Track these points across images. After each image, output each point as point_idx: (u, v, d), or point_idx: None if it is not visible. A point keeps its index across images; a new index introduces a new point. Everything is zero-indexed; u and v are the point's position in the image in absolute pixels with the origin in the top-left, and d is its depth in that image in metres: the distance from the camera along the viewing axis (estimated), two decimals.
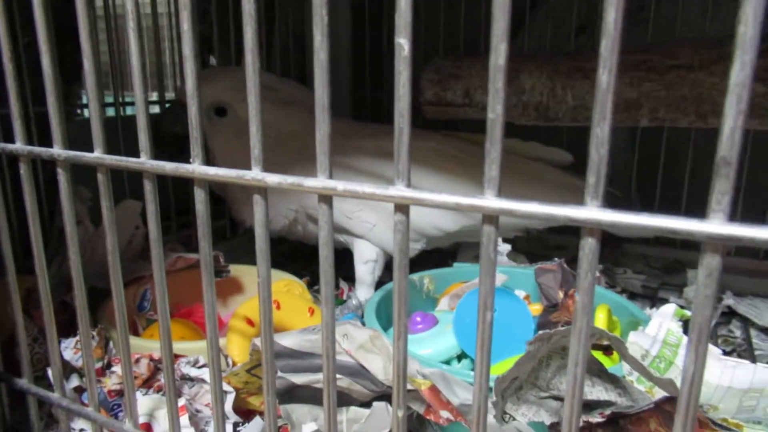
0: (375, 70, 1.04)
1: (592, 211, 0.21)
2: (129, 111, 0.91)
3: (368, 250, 0.72)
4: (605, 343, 0.50)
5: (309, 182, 0.27)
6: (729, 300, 0.78)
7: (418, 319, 0.61)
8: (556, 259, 0.68)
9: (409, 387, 0.36)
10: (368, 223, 0.70)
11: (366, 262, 0.72)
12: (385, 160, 0.66)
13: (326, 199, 0.27)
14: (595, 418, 0.40)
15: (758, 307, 0.79)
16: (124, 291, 0.67)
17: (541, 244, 0.99)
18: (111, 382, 0.46)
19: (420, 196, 0.24)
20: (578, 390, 0.24)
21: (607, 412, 0.40)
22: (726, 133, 0.19)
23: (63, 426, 0.44)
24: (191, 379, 0.45)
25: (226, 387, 0.44)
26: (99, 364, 0.48)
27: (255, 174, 0.28)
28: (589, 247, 0.22)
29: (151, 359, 0.48)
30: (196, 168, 0.30)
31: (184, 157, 0.31)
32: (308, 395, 0.36)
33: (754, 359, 0.68)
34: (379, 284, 0.74)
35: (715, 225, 0.19)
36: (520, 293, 0.68)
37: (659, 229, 0.20)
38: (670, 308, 0.55)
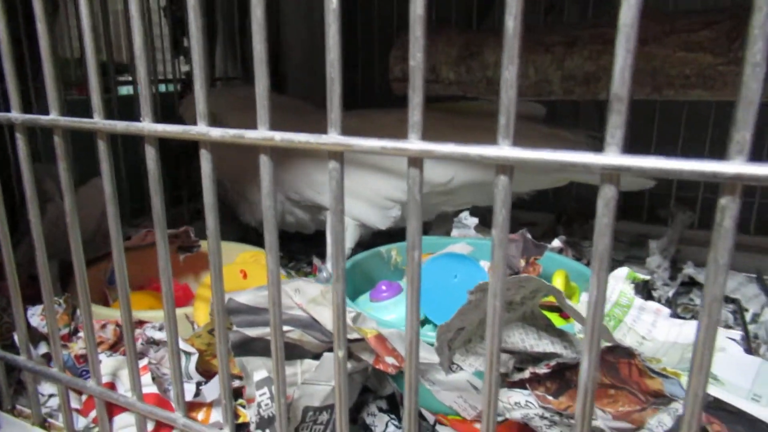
0: (350, 53, 1.05)
1: (503, 150, 0.23)
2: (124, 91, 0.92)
3: None
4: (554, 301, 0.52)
5: (249, 134, 0.28)
6: (689, 269, 0.81)
7: (384, 287, 0.63)
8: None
9: (356, 336, 0.38)
10: None
11: None
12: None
13: (266, 149, 0.28)
14: (542, 369, 0.42)
15: None
16: (97, 265, 0.68)
17: (514, 221, 1.02)
18: (78, 347, 0.47)
19: (351, 142, 0.26)
20: (497, 320, 0.25)
21: (552, 363, 0.42)
22: (617, 71, 0.21)
23: (30, 389, 0.45)
24: (156, 343, 0.46)
25: (189, 348, 0.46)
26: (66, 330, 0.50)
27: (200, 129, 0.30)
28: (502, 184, 0.23)
29: (117, 325, 0.49)
30: (145, 126, 0.32)
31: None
32: (262, 347, 0.38)
33: None
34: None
35: (610, 157, 0.21)
36: (486, 264, 0.70)
37: (559, 163, 0.22)
38: (622, 271, 0.57)
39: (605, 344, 0.43)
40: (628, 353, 0.42)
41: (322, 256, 0.81)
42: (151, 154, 0.32)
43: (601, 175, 0.22)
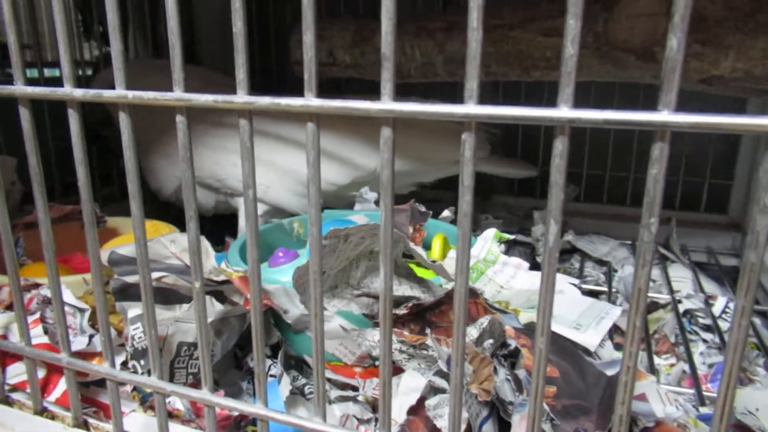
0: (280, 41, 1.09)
1: (387, 104, 0.28)
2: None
3: None
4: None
5: (166, 95, 0.32)
6: (569, 236, 0.90)
7: (281, 254, 0.67)
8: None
9: (222, 278, 0.43)
10: (262, 186, 0.76)
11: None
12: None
13: (182, 110, 0.32)
14: (401, 311, 0.48)
15: (594, 243, 0.91)
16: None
17: (418, 198, 1.09)
18: None
19: (259, 101, 0.30)
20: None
21: (410, 304, 0.48)
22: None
23: None
24: (50, 302, 0.49)
25: (82, 305, 0.49)
26: None
27: (119, 92, 0.33)
28: (386, 135, 0.29)
29: None
30: (67, 90, 0.34)
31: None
32: (140, 293, 0.42)
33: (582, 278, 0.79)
34: None
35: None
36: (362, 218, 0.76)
37: (412, 112, 0.27)
38: (490, 232, 0.64)
39: (451, 285, 0.50)
40: (473, 293, 0.49)
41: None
42: (75, 120, 0.35)
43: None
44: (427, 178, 0.90)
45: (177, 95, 0.31)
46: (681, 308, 0.72)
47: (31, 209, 0.70)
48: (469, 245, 0.29)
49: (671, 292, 0.76)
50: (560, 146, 0.26)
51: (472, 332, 0.40)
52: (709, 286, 0.80)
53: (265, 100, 0.30)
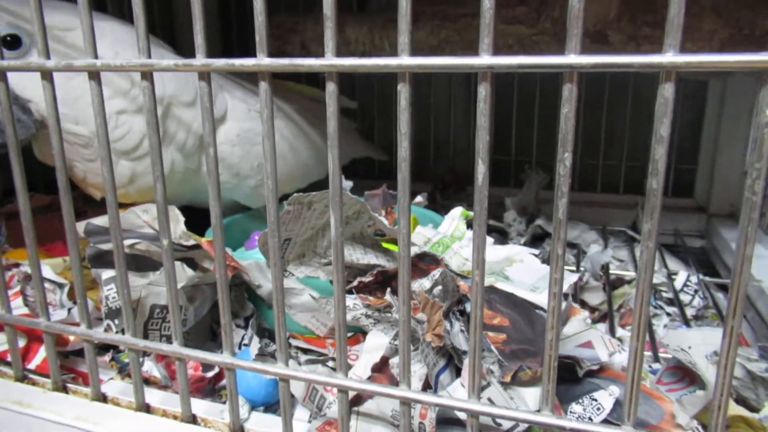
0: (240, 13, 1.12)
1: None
2: None
3: None
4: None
5: (132, 62, 0.34)
6: (540, 221, 0.93)
7: (257, 237, 0.70)
8: None
9: (192, 242, 0.45)
10: (228, 184, 0.78)
11: None
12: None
13: (147, 75, 0.34)
14: (367, 278, 0.51)
15: None
16: None
17: (393, 187, 1.13)
18: None
19: (216, 62, 0.32)
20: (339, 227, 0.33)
21: (375, 272, 0.50)
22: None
23: None
24: (30, 278, 0.51)
25: (62, 280, 0.51)
26: None
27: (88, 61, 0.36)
28: (330, 90, 0.31)
29: None
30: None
31: None
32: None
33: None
34: None
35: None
36: None
37: (352, 66, 0.30)
38: (457, 211, 0.67)
39: (417, 252, 0.52)
40: (435, 259, 0.52)
41: None
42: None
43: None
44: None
45: (142, 61, 0.34)
46: None
47: (13, 200, 0.72)
48: (409, 188, 0.31)
49: (636, 269, 0.79)
50: (483, 92, 0.29)
51: (425, 283, 0.42)
52: (674, 265, 0.83)
53: (220, 62, 0.32)
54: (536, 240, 0.95)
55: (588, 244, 0.90)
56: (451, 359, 0.43)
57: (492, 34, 0.28)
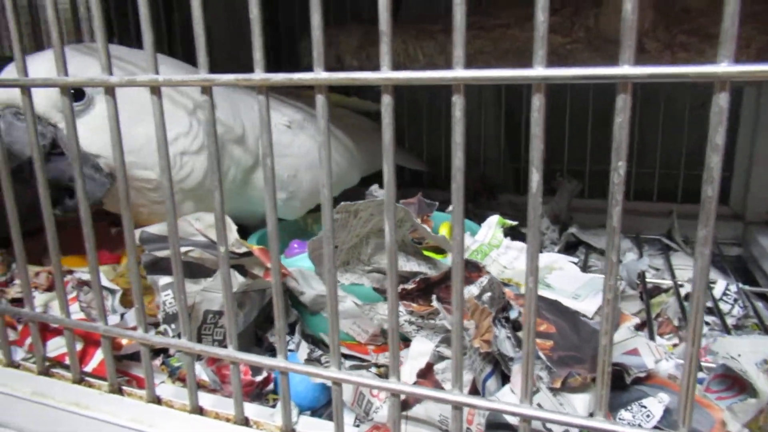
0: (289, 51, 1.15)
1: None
2: None
3: None
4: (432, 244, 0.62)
5: (192, 77, 0.36)
6: (573, 229, 0.92)
7: (296, 245, 0.71)
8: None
9: (244, 249, 0.46)
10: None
11: None
12: None
13: (207, 90, 0.36)
14: (410, 285, 0.52)
15: (598, 235, 0.94)
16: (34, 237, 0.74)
17: (433, 198, 1.14)
18: (14, 291, 0.54)
19: (274, 77, 0.34)
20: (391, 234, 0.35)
21: (417, 279, 0.51)
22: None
23: None
24: (85, 283, 0.53)
25: (114, 287, 0.53)
26: (3, 278, 0.56)
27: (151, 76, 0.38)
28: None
29: (49, 273, 0.56)
30: None
31: None
32: (169, 266, 0.45)
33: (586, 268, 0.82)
34: None
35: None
36: None
37: (408, 79, 0.31)
38: (494, 219, 0.68)
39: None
40: (477, 267, 0.52)
41: None
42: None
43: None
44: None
45: (202, 76, 0.35)
46: (683, 292, 0.74)
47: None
48: (463, 197, 0.32)
49: (673, 277, 0.79)
50: (537, 102, 0.29)
51: (473, 290, 0.43)
52: (712, 274, 0.83)
53: (279, 76, 0.34)
54: (569, 248, 0.95)
55: (623, 252, 0.89)
56: (497, 365, 0.43)
57: (546, 46, 0.29)
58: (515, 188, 1.14)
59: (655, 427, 0.36)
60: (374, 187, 0.91)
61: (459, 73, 0.30)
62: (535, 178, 0.30)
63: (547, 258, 0.61)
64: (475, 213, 1.02)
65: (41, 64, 0.47)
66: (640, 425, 0.37)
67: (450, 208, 0.82)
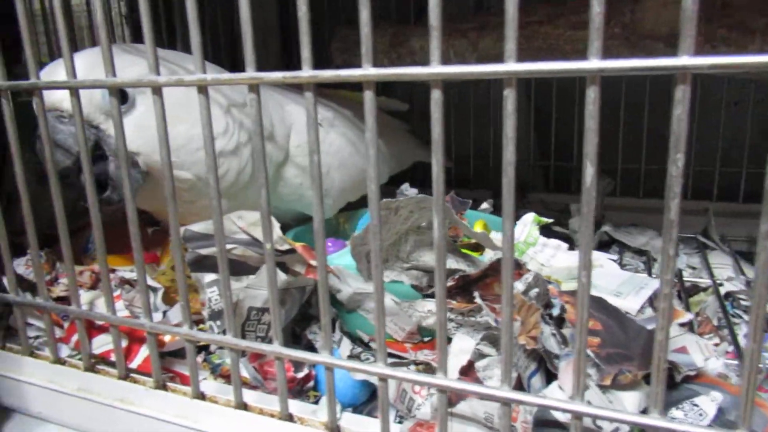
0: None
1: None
2: None
3: None
4: (473, 241, 0.62)
5: (241, 75, 0.36)
6: (607, 227, 0.91)
7: (330, 244, 0.72)
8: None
9: (287, 247, 0.47)
10: (293, 195, 0.80)
11: None
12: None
13: (254, 88, 0.37)
14: (449, 283, 0.51)
15: (632, 234, 0.93)
16: (76, 235, 0.75)
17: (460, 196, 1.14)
18: (58, 290, 0.55)
19: (323, 73, 0.34)
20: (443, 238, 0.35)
21: (456, 276, 0.51)
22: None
23: (19, 323, 0.52)
24: (127, 282, 0.54)
25: (156, 284, 0.54)
26: (48, 277, 0.57)
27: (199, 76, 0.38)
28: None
29: (92, 272, 0.57)
30: None
31: None
32: (212, 264, 0.46)
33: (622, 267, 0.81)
34: None
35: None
36: None
37: (458, 73, 0.31)
38: (529, 217, 0.67)
39: (498, 257, 0.53)
40: (518, 264, 0.52)
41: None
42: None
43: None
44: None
45: (250, 74, 0.36)
46: (722, 291, 0.72)
47: None
48: (513, 192, 0.32)
49: (711, 276, 0.77)
50: (592, 95, 0.29)
51: (519, 286, 0.43)
52: (751, 272, 0.81)
53: (327, 73, 0.34)
54: (602, 246, 0.94)
55: (658, 251, 0.88)
56: (542, 363, 0.43)
57: (602, 38, 0.29)
58: (545, 186, 1.13)
59: (709, 426, 0.36)
60: (405, 186, 0.91)
61: (511, 66, 0.30)
62: (590, 171, 0.30)
63: None
64: None
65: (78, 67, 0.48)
66: (692, 424, 0.36)
67: (483, 205, 0.82)
